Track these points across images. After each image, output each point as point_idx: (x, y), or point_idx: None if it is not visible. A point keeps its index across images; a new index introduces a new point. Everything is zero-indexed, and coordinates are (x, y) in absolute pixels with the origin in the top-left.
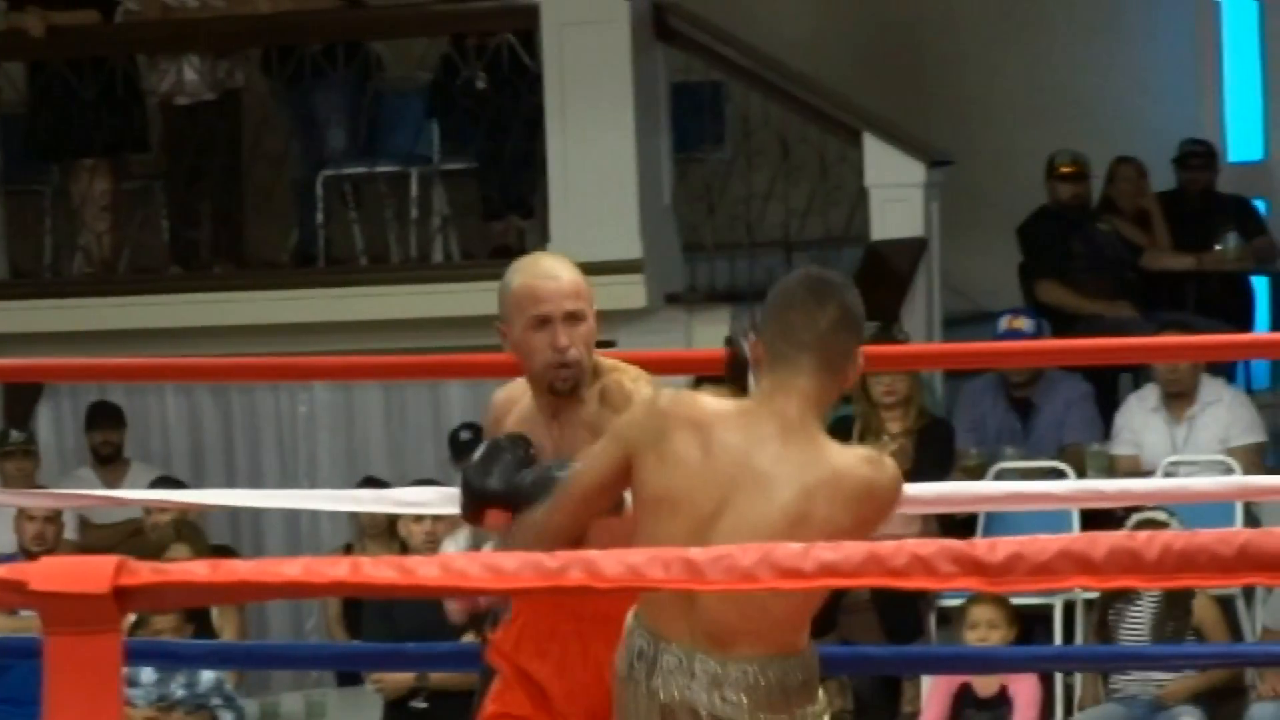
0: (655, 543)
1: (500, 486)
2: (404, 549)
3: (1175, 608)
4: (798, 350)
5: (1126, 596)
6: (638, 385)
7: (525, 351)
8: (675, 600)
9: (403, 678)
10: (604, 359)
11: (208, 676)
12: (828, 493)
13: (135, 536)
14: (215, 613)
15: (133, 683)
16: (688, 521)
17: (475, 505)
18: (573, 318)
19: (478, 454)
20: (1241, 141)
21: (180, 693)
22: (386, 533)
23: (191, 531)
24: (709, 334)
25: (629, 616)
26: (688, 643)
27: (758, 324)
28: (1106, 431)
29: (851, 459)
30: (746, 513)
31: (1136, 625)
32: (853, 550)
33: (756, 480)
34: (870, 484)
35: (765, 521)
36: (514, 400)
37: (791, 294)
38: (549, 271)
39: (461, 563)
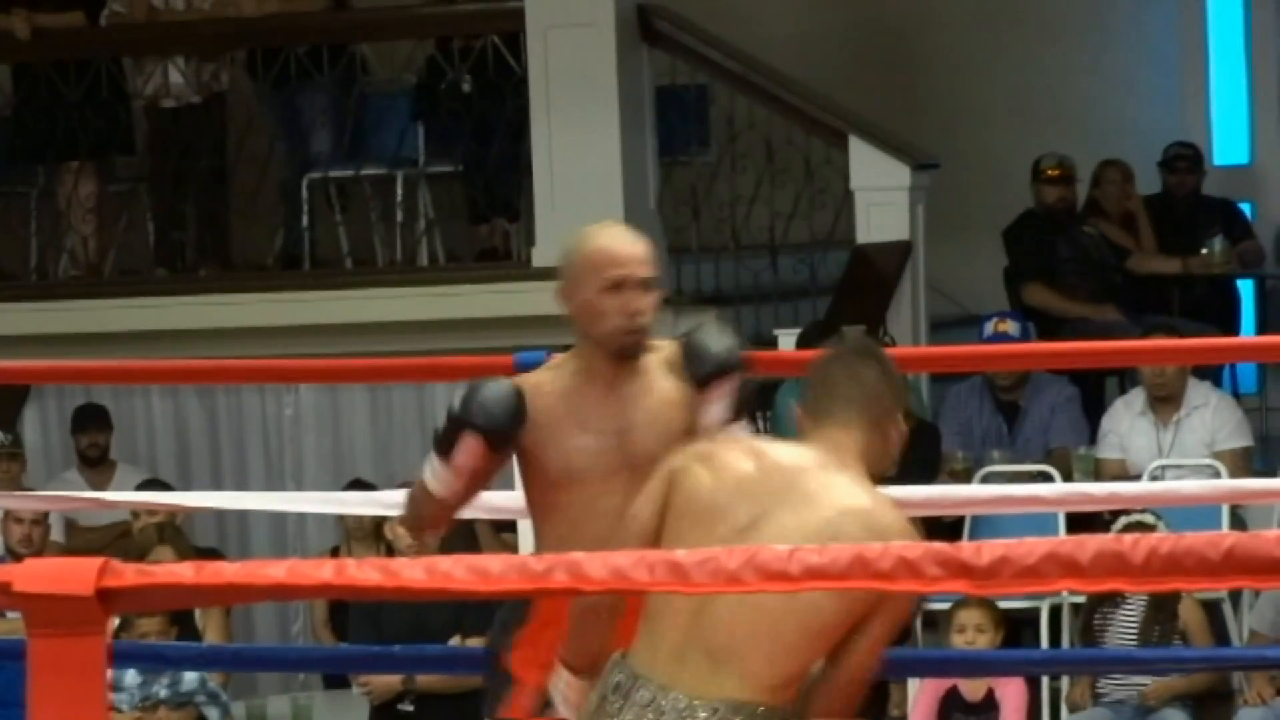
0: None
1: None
2: (390, 551)
3: (1161, 611)
4: (843, 405)
5: (1113, 600)
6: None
7: (593, 314)
8: (679, 614)
9: (390, 680)
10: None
11: (191, 674)
12: (861, 521)
13: (122, 539)
14: (199, 614)
15: (117, 687)
16: (726, 529)
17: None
18: (645, 284)
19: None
20: (1227, 145)
21: (164, 693)
22: (373, 535)
23: (175, 534)
24: None
25: (614, 654)
26: (666, 678)
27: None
28: (1093, 435)
29: (886, 502)
30: (785, 523)
31: (1123, 629)
32: (839, 553)
33: (801, 498)
34: (892, 528)
35: (800, 534)
36: (541, 388)
37: (835, 353)
38: (626, 237)
39: (446, 565)
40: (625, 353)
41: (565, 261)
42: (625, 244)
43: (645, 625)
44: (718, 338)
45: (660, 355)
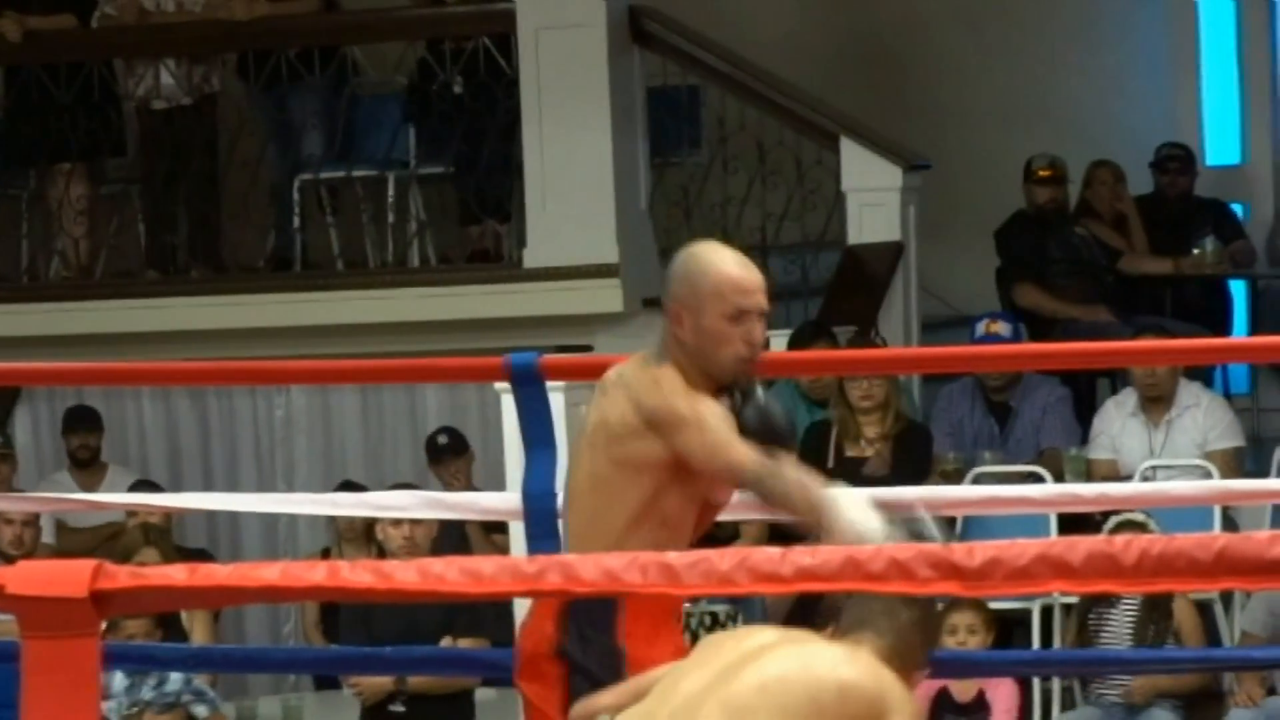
0: None
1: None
2: (381, 553)
3: (1156, 611)
4: (873, 635)
5: (1108, 601)
6: None
7: (712, 339)
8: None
9: (380, 681)
10: None
11: (175, 675)
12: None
13: (113, 540)
14: (185, 616)
15: (104, 695)
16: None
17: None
18: (764, 316)
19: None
20: (1219, 145)
21: (150, 695)
22: (364, 536)
23: (160, 535)
24: None
25: None
26: None
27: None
28: (1084, 436)
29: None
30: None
31: (1118, 629)
32: (830, 555)
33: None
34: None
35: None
36: None
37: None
38: (748, 265)
39: (439, 567)
40: (738, 381)
41: (684, 280)
42: (752, 273)
43: None
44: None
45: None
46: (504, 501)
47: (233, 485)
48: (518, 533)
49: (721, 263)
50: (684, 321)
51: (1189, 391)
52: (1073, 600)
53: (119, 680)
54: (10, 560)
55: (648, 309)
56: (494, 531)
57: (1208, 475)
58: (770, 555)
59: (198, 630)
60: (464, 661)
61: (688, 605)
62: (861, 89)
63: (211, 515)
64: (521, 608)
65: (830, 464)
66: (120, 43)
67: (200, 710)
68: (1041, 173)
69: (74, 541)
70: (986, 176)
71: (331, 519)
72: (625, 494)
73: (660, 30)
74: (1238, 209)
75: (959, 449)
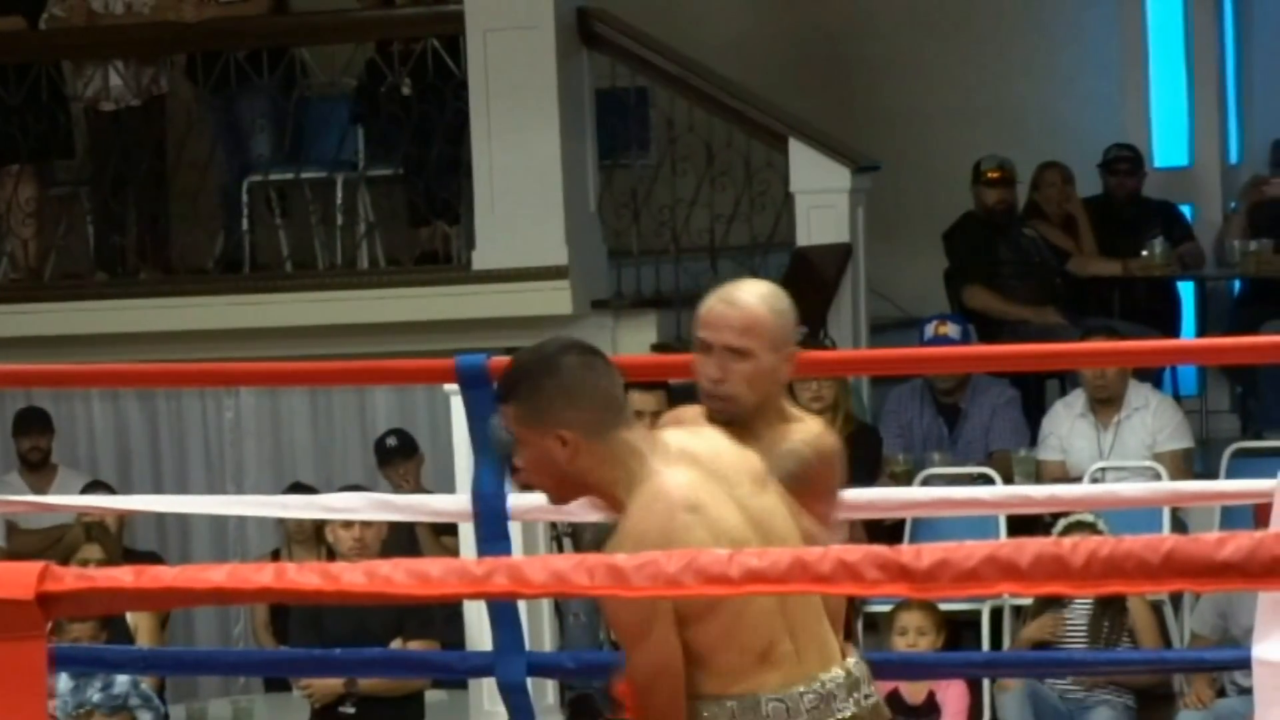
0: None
1: None
2: (331, 555)
3: (1109, 608)
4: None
5: (1060, 601)
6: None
7: (696, 373)
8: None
9: (331, 683)
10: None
11: (122, 677)
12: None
13: (62, 542)
14: (130, 617)
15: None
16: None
17: None
18: (735, 353)
19: None
20: (1168, 147)
21: (96, 697)
22: (314, 538)
23: (102, 533)
24: (635, 340)
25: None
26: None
27: None
28: (1033, 437)
29: None
30: None
31: (1072, 626)
32: (778, 556)
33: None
34: None
35: None
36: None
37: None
38: (732, 301)
39: (386, 569)
40: (711, 417)
41: None
42: (724, 305)
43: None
44: None
45: (793, 433)
46: (454, 503)
47: (182, 487)
48: (467, 534)
49: (710, 296)
50: None
51: (1138, 393)
52: (1024, 602)
53: (64, 681)
54: None
55: (597, 311)
56: (444, 533)
57: (1157, 477)
58: (718, 557)
59: (143, 633)
60: (414, 663)
61: None
62: (810, 91)
63: (161, 517)
64: (472, 611)
65: None
66: (69, 44)
67: (145, 716)
68: (990, 174)
69: (24, 543)
70: (935, 178)
71: (281, 521)
72: None
73: (609, 32)
74: (1186, 210)
75: (908, 450)
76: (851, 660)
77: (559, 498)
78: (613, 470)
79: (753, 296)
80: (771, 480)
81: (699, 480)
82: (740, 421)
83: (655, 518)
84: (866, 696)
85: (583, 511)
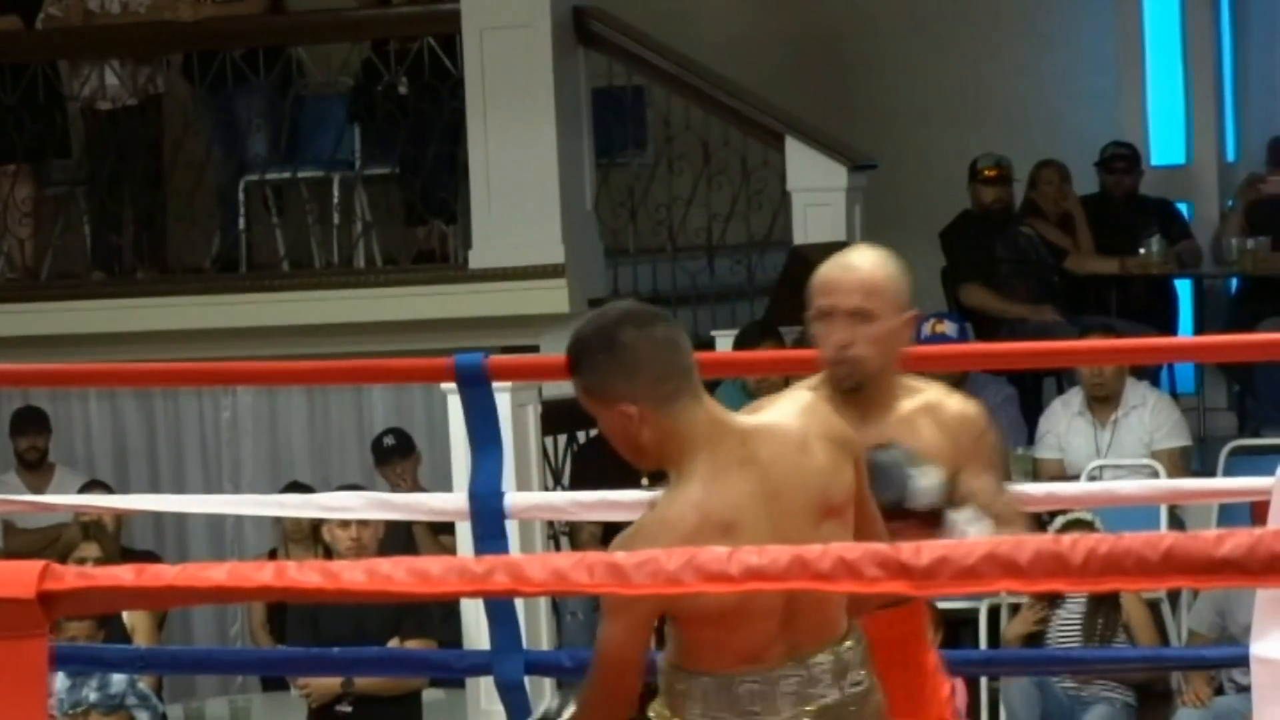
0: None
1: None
2: (328, 554)
3: (1103, 605)
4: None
5: (1053, 599)
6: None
7: (817, 343)
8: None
9: (328, 683)
10: (915, 381)
11: (119, 676)
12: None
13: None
14: (126, 616)
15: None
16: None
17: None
18: (859, 315)
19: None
20: (1165, 145)
21: (93, 696)
22: (311, 537)
23: (100, 531)
24: None
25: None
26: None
27: None
28: (1031, 435)
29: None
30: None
31: (1066, 623)
32: (778, 554)
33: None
34: None
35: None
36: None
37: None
38: (847, 266)
39: (386, 567)
40: (837, 384)
41: None
42: (841, 269)
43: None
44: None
45: (917, 400)
46: (451, 502)
47: (179, 486)
48: (465, 533)
49: (824, 265)
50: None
51: (1135, 391)
52: (1020, 600)
53: (60, 679)
54: None
55: (594, 309)
56: (441, 532)
57: (1154, 475)
58: (718, 555)
59: (140, 632)
60: (412, 662)
61: None
62: (807, 89)
63: (158, 516)
64: (469, 609)
65: None
66: (65, 44)
67: (143, 715)
68: (987, 172)
69: (21, 542)
70: (932, 176)
71: (278, 520)
72: None
73: (605, 30)
74: (1183, 208)
75: None
76: (847, 644)
77: (650, 466)
78: (679, 448)
79: (870, 260)
80: (844, 495)
81: (744, 495)
82: (865, 388)
83: (685, 526)
84: (855, 684)
85: (582, 511)
